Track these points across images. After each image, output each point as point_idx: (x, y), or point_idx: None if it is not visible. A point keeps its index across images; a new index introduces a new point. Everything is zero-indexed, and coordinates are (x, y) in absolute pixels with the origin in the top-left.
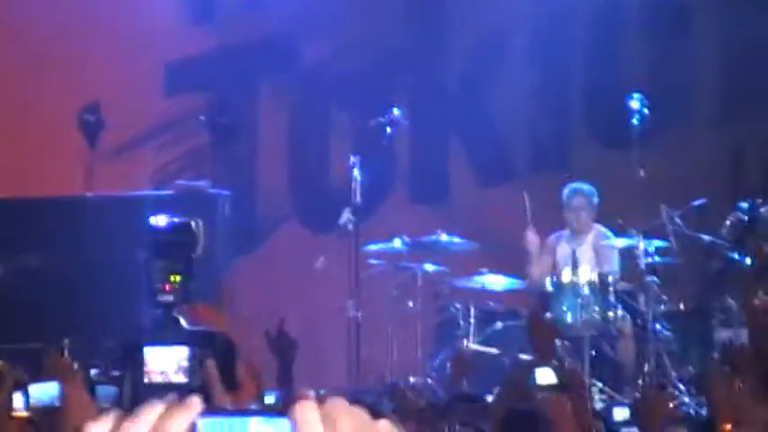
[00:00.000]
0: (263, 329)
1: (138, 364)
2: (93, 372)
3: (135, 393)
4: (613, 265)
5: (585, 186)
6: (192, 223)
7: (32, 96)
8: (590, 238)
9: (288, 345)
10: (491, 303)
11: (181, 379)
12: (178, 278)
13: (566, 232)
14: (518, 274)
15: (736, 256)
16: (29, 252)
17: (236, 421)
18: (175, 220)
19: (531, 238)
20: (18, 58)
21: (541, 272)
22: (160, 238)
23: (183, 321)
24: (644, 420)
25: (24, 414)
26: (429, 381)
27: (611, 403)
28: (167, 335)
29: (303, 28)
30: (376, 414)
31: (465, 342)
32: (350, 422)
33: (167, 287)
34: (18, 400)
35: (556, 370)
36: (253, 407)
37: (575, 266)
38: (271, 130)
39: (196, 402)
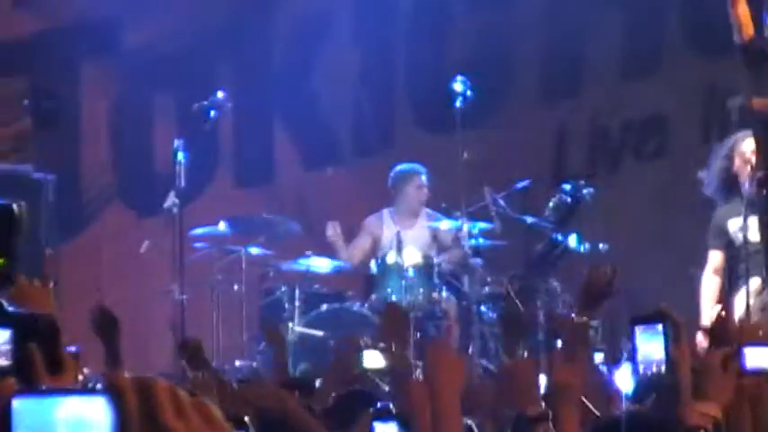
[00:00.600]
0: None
1: None
2: None
3: None
4: (454, 250)
5: (422, 167)
6: (15, 206)
7: None
8: (422, 220)
9: (109, 322)
10: (316, 286)
11: (2, 362)
12: (0, 261)
13: (386, 213)
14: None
15: (559, 236)
16: None
17: (51, 400)
18: None
19: (331, 232)
20: None
21: (363, 255)
22: None
23: (4, 304)
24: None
25: None
26: (254, 364)
27: None
28: None
29: (125, 11)
30: None
31: (290, 324)
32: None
33: None
34: None
35: (384, 353)
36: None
37: (399, 248)
38: (94, 115)
39: (10, 383)
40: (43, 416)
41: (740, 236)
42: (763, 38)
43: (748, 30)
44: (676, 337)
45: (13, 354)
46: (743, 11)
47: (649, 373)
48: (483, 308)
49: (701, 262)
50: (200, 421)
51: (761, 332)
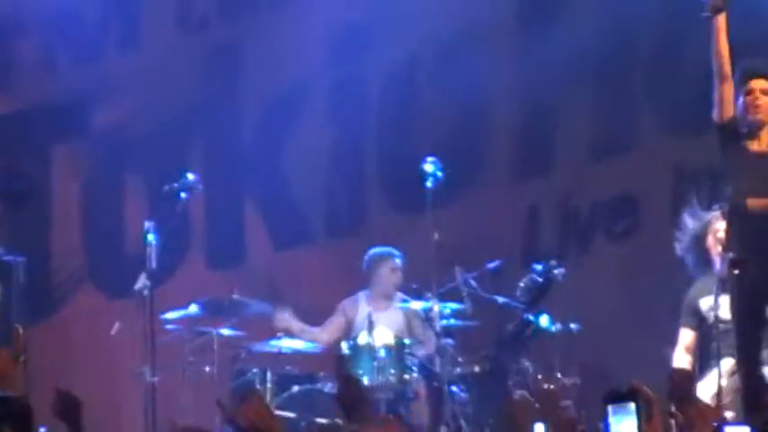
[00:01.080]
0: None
1: None
2: None
3: None
4: (425, 332)
5: (396, 251)
6: None
7: None
8: (395, 302)
9: (72, 405)
10: (288, 367)
11: None
12: None
13: (362, 295)
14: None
15: (530, 316)
16: None
17: None
18: None
19: (279, 319)
20: None
21: (337, 334)
22: None
23: None
24: None
25: None
26: None
27: None
28: None
29: (94, 92)
30: None
31: None
32: None
33: None
34: None
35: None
36: None
37: (371, 329)
38: (65, 196)
39: None
40: None
41: (711, 315)
42: (736, 118)
43: (729, 110)
44: (648, 414)
45: None
46: (728, 90)
47: None
48: (454, 388)
49: (673, 341)
50: None
51: (730, 415)
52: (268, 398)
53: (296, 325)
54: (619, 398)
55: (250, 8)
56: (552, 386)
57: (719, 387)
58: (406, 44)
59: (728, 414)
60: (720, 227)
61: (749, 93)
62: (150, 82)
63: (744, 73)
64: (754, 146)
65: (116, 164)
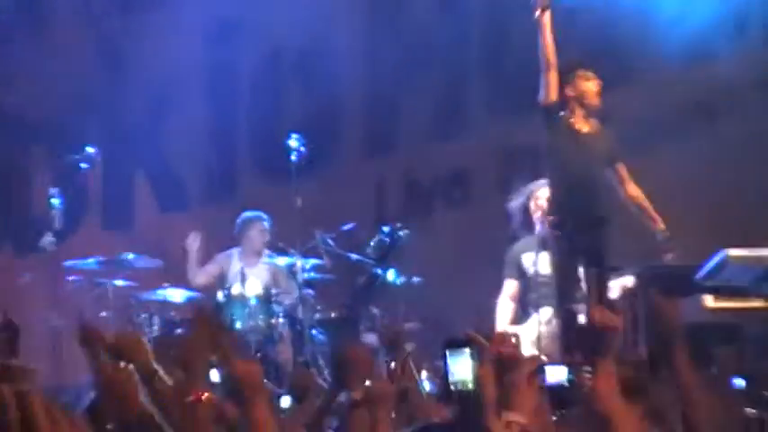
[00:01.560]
0: None
1: None
2: None
3: None
4: (290, 283)
5: (264, 215)
6: None
7: None
8: (263, 259)
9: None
10: (172, 313)
11: None
12: None
13: (235, 252)
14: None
15: (379, 271)
16: None
17: None
18: None
19: (193, 238)
20: None
21: (206, 280)
22: None
23: None
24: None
25: None
26: None
27: (276, 394)
28: None
29: (5, 75)
30: None
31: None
32: None
33: None
34: None
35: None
36: None
37: (243, 281)
38: None
39: None
40: None
41: (532, 269)
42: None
43: (553, 94)
44: (482, 358)
45: None
46: (552, 77)
47: (459, 388)
48: (314, 331)
49: (498, 291)
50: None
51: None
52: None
53: (192, 254)
54: (456, 344)
55: (140, 4)
56: (398, 329)
57: (539, 332)
58: (273, 39)
59: (545, 358)
60: (542, 195)
61: (588, 79)
62: (54, 67)
63: (570, 63)
64: (584, 128)
65: (25, 139)
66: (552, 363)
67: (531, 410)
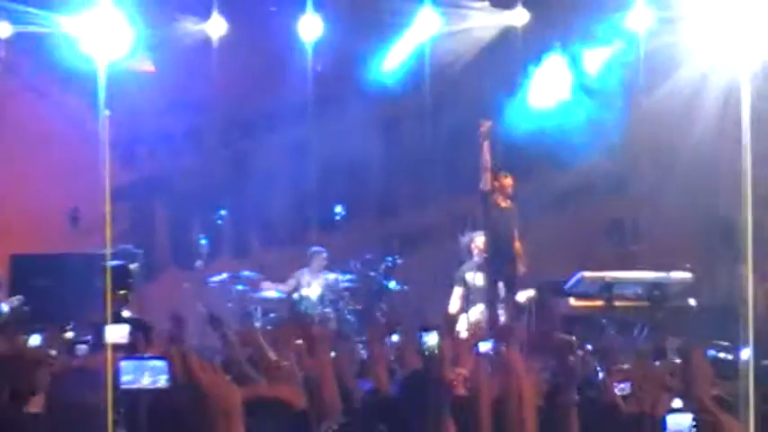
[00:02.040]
0: None
1: None
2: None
3: None
4: (335, 289)
5: (323, 249)
6: None
7: None
8: (321, 274)
9: (179, 318)
10: (269, 306)
11: None
12: None
13: (306, 270)
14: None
15: (385, 282)
16: (42, 279)
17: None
18: None
19: (266, 285)
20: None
21: (289, 288)
22: None
23: None
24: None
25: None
26: None
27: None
28: None
29: None
30: None
31: None
32: None
33: None
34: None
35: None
36: None
37: (309, 288)
38: None
39: None
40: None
41: (471, 281)
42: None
43: (488, 185)
44: (443, 336)
45: None
46: (488, 176)
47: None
48: (348, 317)
49: (450, 293)
50: (214, 374)
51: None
52: None
53: (272, 282)
54: (427, 327)
55: (262, 131)
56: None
57: (475, 319)
58: (327, 151)
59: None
60: (478, 239)
61: (506, 177)
62: (205, 169)
63: (496, 168)
64: (503, 204)
65: (188, 205)
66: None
67: (469, 367)
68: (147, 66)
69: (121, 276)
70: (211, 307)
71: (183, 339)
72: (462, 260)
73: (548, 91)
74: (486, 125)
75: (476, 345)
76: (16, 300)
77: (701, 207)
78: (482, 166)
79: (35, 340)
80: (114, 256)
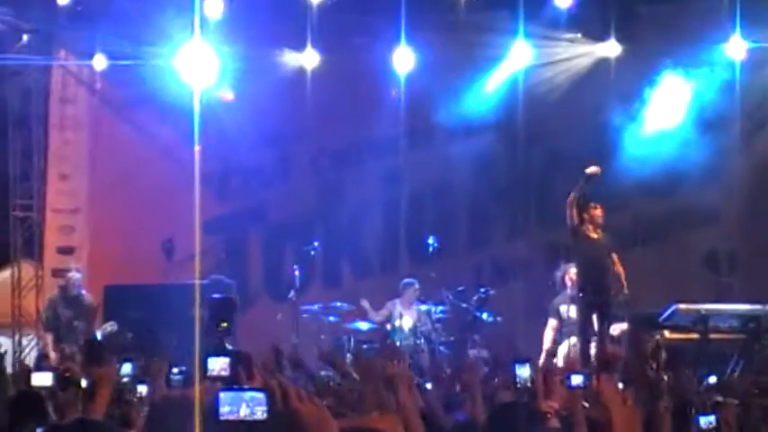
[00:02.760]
0: None
1: None
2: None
3: None
4: (427, 320)
5: (415, 281)
6: None
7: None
8: (414, 306)
9: (277, 350)
10: (360, 337)
11: None
12: None
13: (398, 301)
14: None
15: (477, 313)
16: (135, 310)
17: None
18: None
19: (363, 302)
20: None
21: (381, 319)
22: None
23: None
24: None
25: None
26: None
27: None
28: None
29: None
30: None
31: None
32: None
33: None
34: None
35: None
36: None
37: (401, 319)
38: None
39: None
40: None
41: (566, 314)
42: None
43: (575, 220)
44: (535, 369)
45: None
46: (572, 212)
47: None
48: (441, 348)
49: (545, 324)
50: (312, 405)
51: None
52: None
53: (367, 308)
54: (521, 360)
55: (345, 163)
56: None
57: (568, 351)
58: (413, 183)
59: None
60: (572, 271)
61: (596, 209)
62: (296, 197)
63: (587, 199)
64: (594, 235)
65: (282, 237)
66: (576, 372)
67: (561, 399)
68: (229, 94)
69: (225, 309)
70: (321, 342)
71: (282, 370)
72: (557, 292)
73: (648, 120)
74: (594, 170)
75: (569, 377)
76: (109, 326)
77: None
78: (568, 208)
79: (126, 369)
80: (207, 287)
